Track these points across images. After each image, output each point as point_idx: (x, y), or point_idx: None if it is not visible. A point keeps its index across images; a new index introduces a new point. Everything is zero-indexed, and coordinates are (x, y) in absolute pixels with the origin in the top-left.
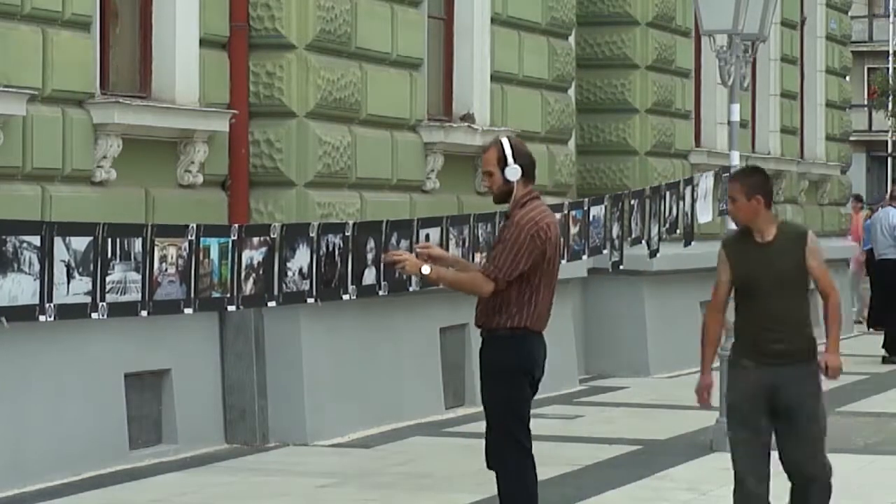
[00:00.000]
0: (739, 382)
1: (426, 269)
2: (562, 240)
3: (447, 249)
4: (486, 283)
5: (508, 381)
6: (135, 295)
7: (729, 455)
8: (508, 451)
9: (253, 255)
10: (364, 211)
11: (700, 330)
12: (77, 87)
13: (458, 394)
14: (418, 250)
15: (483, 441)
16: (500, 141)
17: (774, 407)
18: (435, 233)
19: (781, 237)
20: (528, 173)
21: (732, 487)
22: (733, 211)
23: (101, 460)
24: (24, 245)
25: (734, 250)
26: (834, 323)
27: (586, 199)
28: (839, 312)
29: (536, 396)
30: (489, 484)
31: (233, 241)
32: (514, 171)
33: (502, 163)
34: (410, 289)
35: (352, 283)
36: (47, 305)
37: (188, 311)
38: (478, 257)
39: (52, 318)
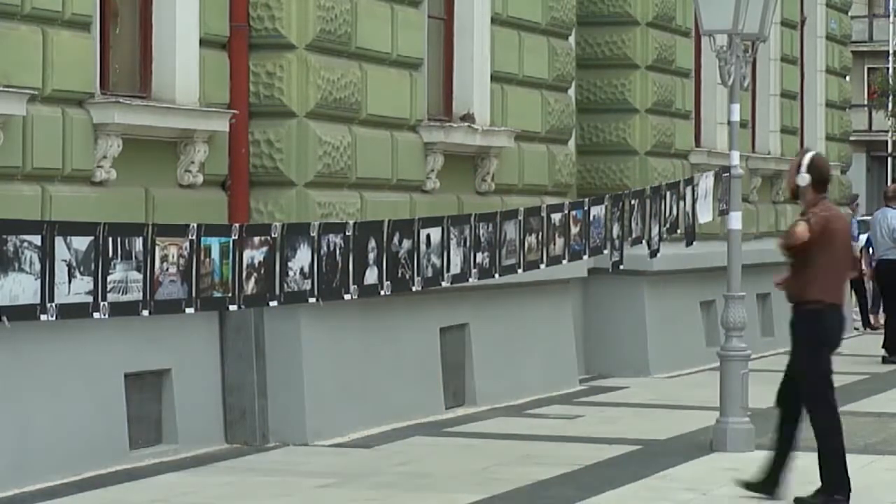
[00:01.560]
0: None
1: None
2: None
3: (448, 249)
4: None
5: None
6: (136, 294)
7: (729, 454)
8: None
9: (254, 254)
10: (364, 211)
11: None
12: (77, 87)
13: (458, 394)
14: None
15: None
16: (805, 151)
17: None
18: (435, 233)
19: None
20: (818, 185)
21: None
22: None
23: (101, 460)
24: (25, 245)
25: None
26: None
27: (587, 199)
28: None
29: (536, 396)
30: (489, 484)
31: (234, 240)
32: (803, 179)
33: (795, 170)
34: (413, 289)
35: (353, 283)
36: (48, 305)
37: (189, 310)
38: (479, 256)
39: (53, 318)
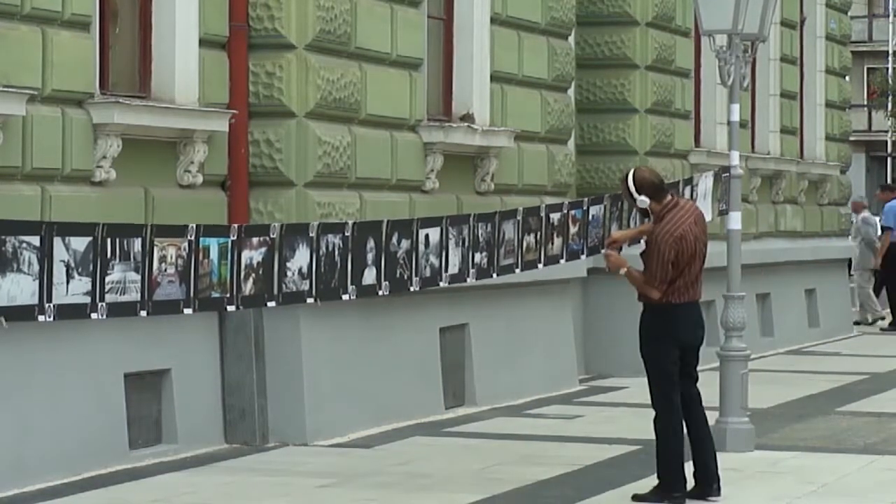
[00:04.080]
0: None
1: (623, 271)
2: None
3: (447, 250)
4: (653, 290)
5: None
6: (134, 295)
7: (729, 454)
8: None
9: (252, 255)
10: (364, 211)
11: None
12: (77, 87)
13: (458, 394)
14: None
15: (482, 441)
16: (626, 177)
17: None
18: (435, 233)
19: None
20: (656, 195)
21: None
22: None
23: (101, 460)
24: (24, 245)
25: None
26: None
27: (586, 199)
28: None
29: (536, 396)
30: (489, 484)
31: (232, 241)
32: (642, 202)
33: (630, 198)
34: (411, 289)
35: (351, 284)
36: (47, 305)
37: (188, 311)
38: (478, 256)
39: (51, 319)
